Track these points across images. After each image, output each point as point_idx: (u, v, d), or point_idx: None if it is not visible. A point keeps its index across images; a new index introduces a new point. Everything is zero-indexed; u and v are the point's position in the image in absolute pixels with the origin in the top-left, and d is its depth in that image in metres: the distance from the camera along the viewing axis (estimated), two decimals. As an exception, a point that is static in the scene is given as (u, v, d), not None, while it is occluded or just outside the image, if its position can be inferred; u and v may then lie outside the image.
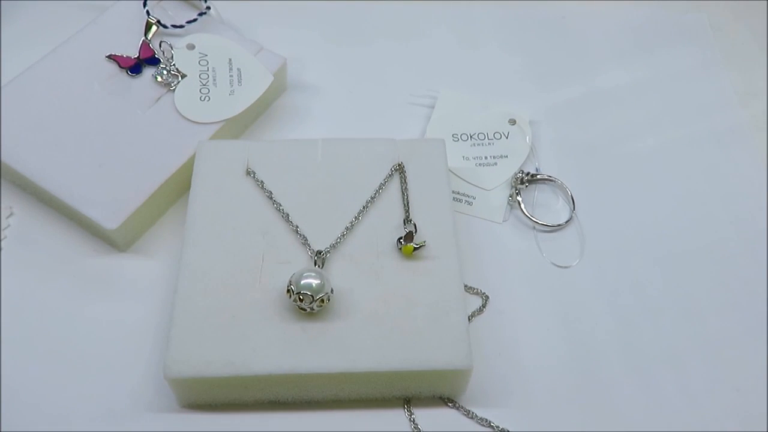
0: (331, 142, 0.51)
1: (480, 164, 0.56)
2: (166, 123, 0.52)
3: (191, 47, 0.56)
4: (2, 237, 0.50)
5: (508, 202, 0.54)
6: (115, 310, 0.47)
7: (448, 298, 0.44)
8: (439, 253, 0.46)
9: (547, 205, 0.55)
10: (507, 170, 0.56)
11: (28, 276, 0.48)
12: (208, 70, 0.55)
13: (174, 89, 0.54)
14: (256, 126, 0.58)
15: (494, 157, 0.56)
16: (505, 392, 0.45)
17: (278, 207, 0.48)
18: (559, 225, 0.53)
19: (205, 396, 0.43)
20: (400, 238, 0.46)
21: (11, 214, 0.51)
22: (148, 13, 0.56)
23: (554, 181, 0.55)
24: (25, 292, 0.48)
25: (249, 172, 0.49)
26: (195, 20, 0.57)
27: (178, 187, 0.51)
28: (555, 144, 0.58)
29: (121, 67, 0.54)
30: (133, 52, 0.55)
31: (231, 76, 0.55)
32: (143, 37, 0.56)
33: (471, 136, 0.58)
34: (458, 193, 0.55)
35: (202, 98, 0.53)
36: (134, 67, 0.54)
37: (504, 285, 0.50)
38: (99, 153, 0.50)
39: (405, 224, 0.47)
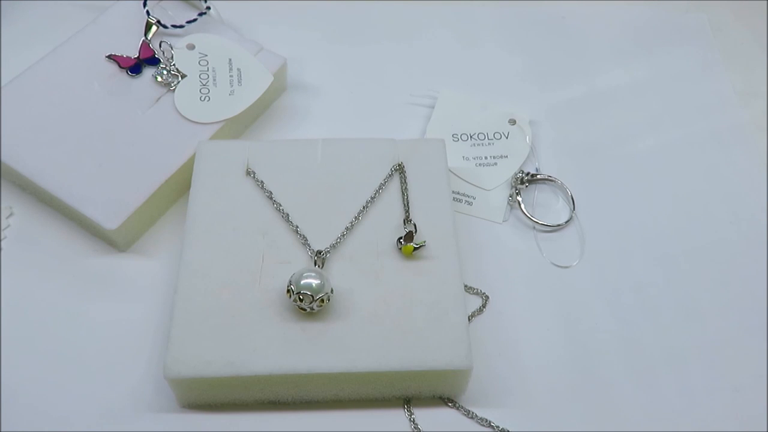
0: (331, 142, 0.51)
1: (480, 164, 0.56)
2: (166, 123, 0.52)
3: (191, 47, 0.56)
4: (2, 237, 0.50)
5: (508, 202, 0.54)
6: (115, 310, 0.47)
7: (448, 298, 0.44)
8: (439, 253, 0.46)
9: (547, 205, 0.55)
10: (507, 170, 0.56)
11: (28, 276, 0.48)
12: (208, 70, 0.55)
13: (174, 89, 0.54)
14: (256, 126, 0.58)
15: (494, 157, 0.56)
16: (505, 392, 0.45)
17: (278, 207, 0.48)
18: (559, 225, 0.53)
19: (205, 396, 0.43)
20: (400, 238, 0.46)
21: (11, 214, 0.51)
22: (148, 13, 0.56)
23: (554, 181, 0.55)
24: (25, 292, 0.48)
25: (249, 172, 0.49)
26: (195, 20, 0.57)
27: (178, 187, 0.51)
28: (555, 144, 0.58)
29: (121, 67, 0.54)
30: (133, 52, 0.55)
31: (231, 76, 0.55)
32: (143, 37, 0.56)
33: (471, 136, 0.58)
34: (458, 193, 0.55)
35: (202, 98, 0.53)
36: (134, 67, 0.54)
37: (504, 285, 0.50)
38: (99, 153, 0.50)
39: (405, 224, 0.47)
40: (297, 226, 0.47)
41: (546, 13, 0.68)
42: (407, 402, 0.45)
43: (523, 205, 0.54)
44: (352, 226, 0.47)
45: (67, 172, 0.49)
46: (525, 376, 0.46)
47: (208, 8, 0.58)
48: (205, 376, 0.41)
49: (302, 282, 0.42)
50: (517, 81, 0.63)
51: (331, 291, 0.43)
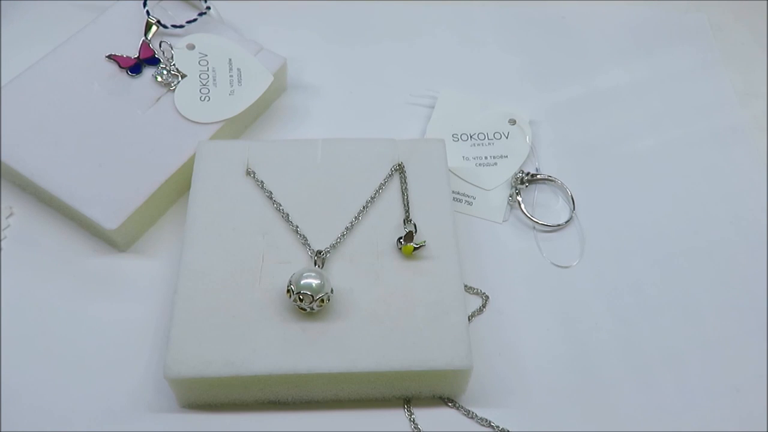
0: (331, 142, 0.51)
1: (480, 164, 0.56)
2: (166, 123, 0.52)
3: (191, 47, 0.56)
4: (2, 237, 0.50)
5: (508, 202, 0.54)
6: (115, 310, 0.47)
7: (448, 298, 0.44)
8: (439, 253, 0.46)
9: (547, 205, 0.55)
10: (507, 170, 0.56)
11: (28, 276, 0.48)
12: (208, 70, 0.55)
13: (174, 89, 0.54)
14: (256, 126, 0.58)
15: (494, 157, 0.56)
16: (505, 392, 0.45)
17: (278, 207, 0.48)
18: (559, 225, 0.53)
19: (205, 396, 0.43)
20: (400, 238, 0.46)
21: (11, 214, 0.51)
22: (148, 13, 0.56)
23: (554, 181, 0.55)
24: (25, 292, 0.48)
25: (249, 172, 0.49)
26: (195, 20, 0.57)
27: (178, 187, 0.51)
28: (555, 144, 0.58)
29: (121, 67, 0.54)
30: (133, 52, 0.55)
31: (231, 76, 0.55)
32: (143, 37, 0.56)
33: (471, 136, 0.58)
34: (458, 193, 0.55)
35: (202, 98, 0.53)
36: (134, 67, 0.54)
37: (504, 285, 0.50)
38: (99, 153, 0.50)
39: (405, 224, 0.47)
40: (297, 226, 0.47)
41: (546, 13, 0.68)
42: (407, 402, 0.45)
43: (523, 205, 0.54)
44: (352, 226, 0.47)
45: (67, 172, 0.49)
46: (525, 376, 0.46)
47: (208, 8, 0.58)
48: (205, 376, 0.41)
49: (302, 282, 0.42)
50: (517, 81, 0.63)
51: (331, 291, 0.43)
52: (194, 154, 0.50)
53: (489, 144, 0.57)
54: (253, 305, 0.44)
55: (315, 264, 0.45)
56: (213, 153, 0.50)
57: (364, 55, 0.63)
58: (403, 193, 0.49)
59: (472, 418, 0.44)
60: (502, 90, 0.62)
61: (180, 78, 0.54)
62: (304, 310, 0.43)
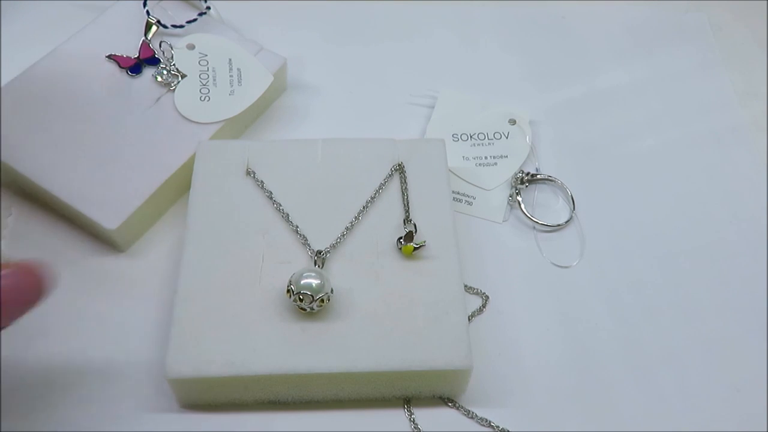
0: (331, 142, 0.51)
1: (480, 164, 0.56)
2: (166, 123, 0.52)
3: (191, 47, 0.56)
4: (2, 237, 0.50)
5: (508, 202, 0.54)
6: (115, 310, 0.47)
7: (448, 298, 0.44)
8: (439, 253, 0.46)
9: (547, 205, 0.55)
10: (507, 170, 0.56)
11: (28, 276, 0.48)
12: (208, 70, 0.55)
13: (174, 89, 0.54)
14: (256, 126, 0.58)
15: (494, 157, 0.56)
16: (505, 392, 0.45)
17: (278, 207, 0.48)
18: (559, 225, 0.53)
19: (205, 396, 0.43)
20: (400, 238, 0.46)
21: (11, 214, 0.51)
22: (148, 13, 0.56)
23: (554, 181, 0.55)
24: (25, 292, 0.48)
25: (249, 172, 0.49)
26: (195, 20, 0.57)
27: (178, 187, 0.51)
28: (555, 144, 0.58)
29: (121, 67, 0.54)
30: (133, 52, 0.55)
31: (231, 76, 0.55)
32: (143, 37, 0.56)
33: (471, 136, 0.58)
34: (458, 193, 0.55)
35: (202, 98, 0.53)
36: (134, 67, 0.54)
37: (504, 285, 0.50)
38: (99, 153, 0.50)
39: (405, 224, 0.47)
40: (297, 226, 0.47)
41: (546, 13, 0.68)
42: (407, 402, 0.45)
43: (523, 205, 0.54)
44: (352, 226, 0.47)
45: (67, 172, 0.49)
46: (525, 376, 0.46)
47: (208, 8, 0.58)
48: (206, 376, 0.41)
49: (302, 282, 0.42)
50: (517, 81, 0.63)
51: (331, 291, 0.43)
52: (194, 154, 0.50)
53: (489, 144, 0.57)
54: (253, 305, 0.43)
55: (315, 264, 0.45)
56: (213, 153, 0.50)
57: (364, 55, 0.63)
58: (403, 193, 0.49)
59: (472, 418, 0.44)
60: (502, 90, 0.62)
61: (180, 78, 0.54)
62: (304, 310, 0.43)
